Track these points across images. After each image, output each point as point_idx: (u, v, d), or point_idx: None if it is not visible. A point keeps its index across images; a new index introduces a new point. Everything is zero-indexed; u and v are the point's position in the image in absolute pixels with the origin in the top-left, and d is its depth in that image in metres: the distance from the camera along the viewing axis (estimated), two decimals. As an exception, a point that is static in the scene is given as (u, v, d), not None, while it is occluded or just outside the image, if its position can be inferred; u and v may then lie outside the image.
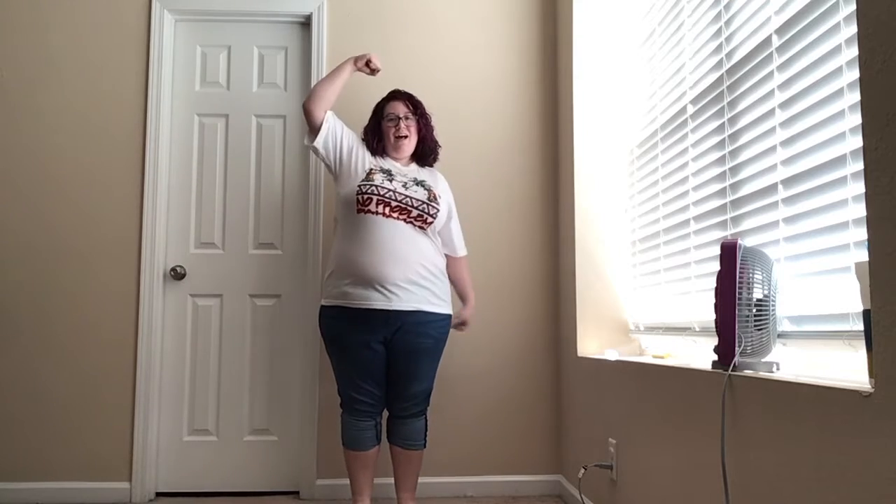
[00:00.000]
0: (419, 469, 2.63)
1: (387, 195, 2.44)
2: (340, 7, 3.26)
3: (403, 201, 2.45)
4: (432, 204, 2.50)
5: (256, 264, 3.19)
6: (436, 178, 2.66)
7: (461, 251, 2.74)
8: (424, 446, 2.60)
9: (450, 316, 2.57)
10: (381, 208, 2.42)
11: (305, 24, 3.28)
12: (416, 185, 2.52)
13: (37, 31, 3.18)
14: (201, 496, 3.07)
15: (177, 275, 3.14)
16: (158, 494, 3.08)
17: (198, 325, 3.15)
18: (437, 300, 2.50)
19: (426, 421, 2.61)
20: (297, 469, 3.09)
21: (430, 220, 2.49)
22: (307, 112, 2.55)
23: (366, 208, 2.42)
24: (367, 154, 2.58)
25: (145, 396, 3.04)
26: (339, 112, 3.26)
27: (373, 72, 2.65)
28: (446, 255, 2.65)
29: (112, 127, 3.16)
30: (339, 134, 2.56)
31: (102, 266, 3.09)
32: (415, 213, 2.46)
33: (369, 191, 2.43)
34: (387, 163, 2.58)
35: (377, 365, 2.47)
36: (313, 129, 2.56)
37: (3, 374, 3.03)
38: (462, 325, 2.75)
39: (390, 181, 2.48)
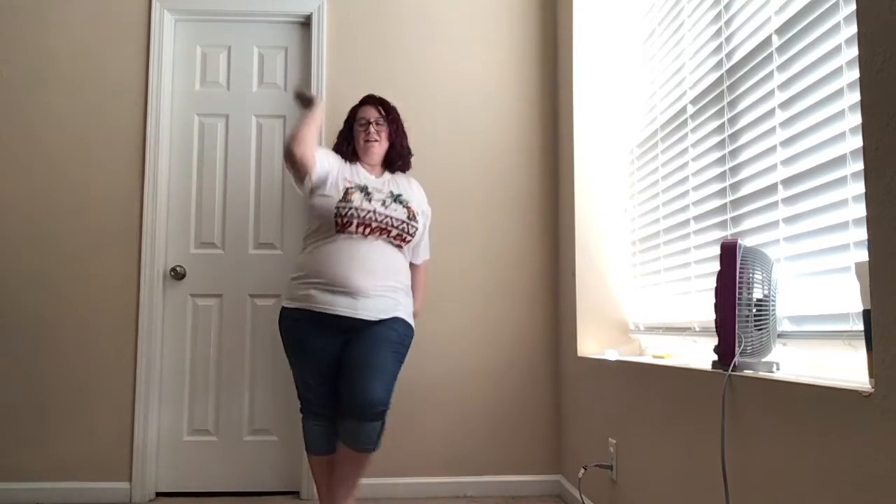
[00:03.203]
0: (362, 472, 2.40)
1: (367, 217, 2.38)
2: (340, 7, 3.26)
3: (384, 222, 2.41)
4: (411, 223, 2.47)
5: (256, 264, 3.19)
6: (411, 186, 2.60)
7: (424, 257, 2.66)
8: (374, 450, 2.35)
9: (412, 327, 2.47)
10: (360, 229, 2.38)
11: (305, 24, 3.28)
12: (395, 201, 2.47)
13: (37, 30, 3.18)
14: (201, 496, 3.07)
15: (177, 275, 3.14)
16: (158, 494, 3.08)
17: (197, 325, 3.15)
18: (400, 308, 2.43)
19: (383, 424, 2.34)
20: (297, 469, 3.09)
21: (408, 238, 2.47)
22: (298, 157, 2.36)
23: (345, 230, 2.37)
24: (342, 167, 2.51)
25: (145, 396, 3.04)
26: (339, 113, 3.26)
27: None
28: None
29: (112, 127, 3.16)
30: (326, 167, 2.45)
31: (102, 266, 3.09)
32: (394, 232, 2.42)
33: (349, 213, 2.37)
34: (360, 175, 2.51)
35: (332, 370, 2.38)
36: (303, 172, 2.41)
37: (3, 374, 3.03)
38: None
39: (369, 200, 2.42)
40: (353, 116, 2.63)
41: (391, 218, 2.42)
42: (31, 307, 3.07)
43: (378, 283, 2.36)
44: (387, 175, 2.60)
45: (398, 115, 2.63)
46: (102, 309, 3.07)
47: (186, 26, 3.27)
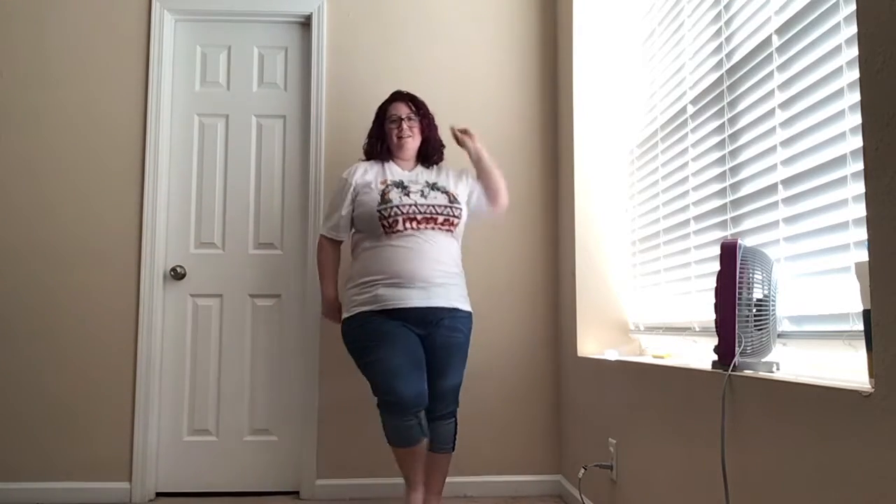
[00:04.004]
0: (446, 471, 2.58)
1: (410, 211, 2.43)
2: (340, 7, 3.26)
3: (428, 211, 2.45)
4: (455, 206, 2.52)
5: (256, 264, 3.19)
6: (445, 173, 2.66)
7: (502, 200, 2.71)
8: (453, 449, 2.57)
9: (471, 315, 2.60)
10: (409, 224, 2.42)
11: (305, 24, 3.28)
12: (433, 189, 2.53)
13: (36, 31, 3.18)
14: (201, 496, 3.07)
15: (177, 275, 3.14)
16: (158, 494, 3.08)
17: (198, 325, 3.15)
18: (463, 298, 2.54)
19: (456, 423, 2.57)
20: (297, 469, 3.09)
21: (456, 221, 2.52)
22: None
23: (394, 230, 2.41)
24: (372, 172, 2.55)
25: (145, 396, 3.04)
26: (339, 113, 3.26)
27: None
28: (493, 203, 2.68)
29: (112, 127, 3.15)
30: (349, 215, 2.56)
31: (102, 266, 3.09)
32: (441, 218, 2.47)
33: (392, 212, 2.41)
34: (393, 172, 2.57)
35: (420, 354, 2.41)
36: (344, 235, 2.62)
37: (3, 374, 3.03)
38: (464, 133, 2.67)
39: (407, 195, 2.47)
40: (383, 114, 2.65)
41: (433, 206, 2.47)
42: (31, 307, 3.06)
43: (442, 271, 2.44)
44: (419, 168, 2.64)
45: (428, 109, 2.68)
46: (102, 309, 3.07)
47: (186, 26, 3.27)
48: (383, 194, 2.46)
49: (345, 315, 2.49)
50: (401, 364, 2.37)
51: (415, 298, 2.38)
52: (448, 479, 3.05)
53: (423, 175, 2.60)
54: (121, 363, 3.05)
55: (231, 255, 3.19)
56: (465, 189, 2.64)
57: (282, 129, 3.26)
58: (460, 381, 2.57)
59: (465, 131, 2.67)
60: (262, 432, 3.13)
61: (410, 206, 2.44)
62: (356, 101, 3.14)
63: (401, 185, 2.50)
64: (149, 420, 3.04)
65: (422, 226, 2.43)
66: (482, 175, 2.67)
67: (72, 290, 3.08)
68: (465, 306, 2.55)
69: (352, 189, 2.53)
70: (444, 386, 2.49)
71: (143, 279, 3.08)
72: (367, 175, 2.55)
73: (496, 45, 3.29)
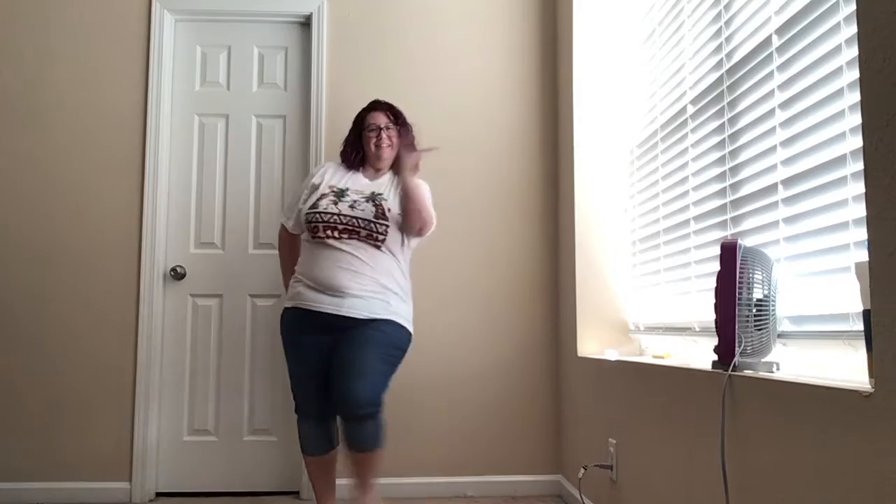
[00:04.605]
0: (372, 468, 2.37)
1: (331, 220, 2.41)
2: (340, 7, 3.26)
3: (350, 223, 2.41)
4: (379, 222, 2.42)
5: (256, 264, 3.19)
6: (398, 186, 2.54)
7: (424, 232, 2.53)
8: (374, 450, 2.32)
9: (405, 329, 2.44)
10: (328, 233, 2.40)
11: (305, 24, 3.28)
12: (367, 201, 2.46)
13: (37, 31, 3.18)
14: (201, 496, 3.07)
15: (177, 275, 3.14)
16: (158, 494, 3.08)
17: (198, 325, 3.15)
18: (391, 310, 2.40)
19: (378, 426, 2.31)
20: (297, 469, 3.08)
21: (380, 237, 2.41)
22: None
23: (316, 235, 2.42)
24: (330, 175, 2.55)
25: (145, 396, 3.04)
26: (339, 113, 3.27)
27: None
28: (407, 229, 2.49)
29: (112, 127, 3.15)
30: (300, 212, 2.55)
31: (102, 266, 3.09)
32: (363, 232, 2.41)
33: (314, 218, 2.43)
34: (350, 179, 2.54)
35: (320, 369, 2.40)
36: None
37: (3, 375, 3.03)
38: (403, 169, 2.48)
39: (336, 203, 2.44)
40: (360, 123, 2.64)
41: (357, 219, 2.42)
42: (31, 306, 3.07)
43: (362, 284, 2.37)
44: (387, 177, 2.59)
45: (406, 118, 2.65)
46: (103, 308, 3.07)
47: (186, 26, 3.27)
48: (318, 200, 2.46)
49: (284, 305, 2.53)
50: (303, 374, 2.45)
51: (328, 304, 2.36)
52: (448, 479, 3.07)
53: (379, 185, 2.53)
54: (121, 363, 3.05)
55: (231, 255, 3.19)
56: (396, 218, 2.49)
57: (282, 129, 3.26)
58: (375, 383, 2.29)
59: (416, 165, 2.50)
60: (262, 432, 3.13)
61: (333, 215, 2.41)
62: (356, 100, 3.13)
63: (340, 193, 2.48)
64: (149, 420, 3.04)
65: (343, 236, 2.40)
66: (406, 206, 2.46)
67: (71, 289, 3.08)
68: (390, 317, 2.39)
69: (307, 188, 2.57)
70: (353, 385, 2.25)
71: (143, 279, 3.08)
72: (324, 177, 2.55)
73: (496, 45, 3.29)
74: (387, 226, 2.44)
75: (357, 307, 2.35)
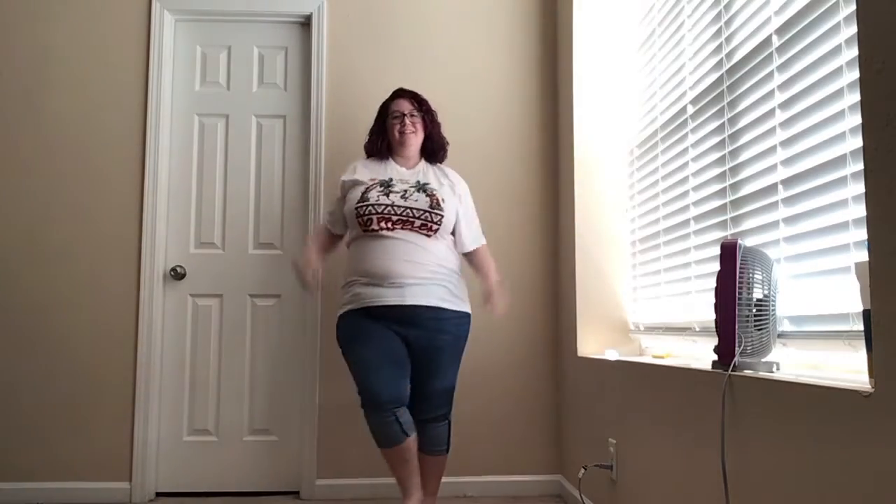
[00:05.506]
0: (441, 473, 2.59)
1: (385, 211, 2.40)
2: (340, 7, 3.26)
3: (404, 214, 2.41)
4: (435, 211, 2.44)
5: (256, 264, 3.19)
6: (445, 177, 2.62)
7: (471, 245, 2.62)
8: (447, 452, 2.57)
9: (467, 314, 2.53)
10: (383, 224, 2.40)
11: (305, 24, 3.28)
12: (419, 191, 2.48)
13: (36, 31, 3.18)
14: (201, 496, 3.07)
15: (177, 275, 3.14)
16: (158, 494, 3.08)
17: (198, 325, 3.15)
18: (451, 297, 2.45)
19: (450, 426, 2.56)
20: (297, 469, 3.09)
21: (434, 227, 2.44)
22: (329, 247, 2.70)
23: (369, 228, 2.41)
24: (365, 170, 2.56)
25: (145, 396, 3.04)
26: (339, 113, 3.27)
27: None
28: (464, 254, 2.60)
29: (112, 127, 3.15)
30: (340, 211, 2.58)
31: (103, 266, 3.09)
32: (418, 223, 2.41)
33: (367, 211, 2.41)
34: (389, 169, 2.56)
35: (400, 351, 2.40)
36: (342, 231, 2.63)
37: (3, 374, 3.03)
38: (489, 300, 2.57)
39: (387, 194, 2.44)
40: (385, 111, 2.65)
41: (411, 209, 2.42)
42: (31, 306, 3.06)
43: (420, 272, 2.38)
44: (421, 166, 2.62)
45: (430, 105, 2.67)
46: (102, 309, 3.07)
47: (186, 26, 3.27)
48: (365, 192, 2.45)
49: (338, 315, 2.50)
50: (373, 360, 2.38)
51: (389, 297, 2.36)
52: (448, 479, 3.06)
53: (419, 175, 2.57)
54: (121, 363, 3.05)
55: (231, 255, 3.19)
56: (452, 211, 2.51)
57: (282, 129, 3.26)
58: (450, 384, 2.52)
59: (489, 299, 2.58)
60: (262, 432, 3.13)
61: (387, 206, 2.41)
62: (356, 101, 3.14)
63: (386, 185, 2.48)
64: (149, 420, 3.04)
65: (397, 227, 2.40)
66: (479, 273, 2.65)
67: (71, 289, 3.08)
68: (454, 306, 2.46)
69: (344, 187, 2.56)
70: (430, 388, 2.48)
71: (143, 279, 3.08)
72: (358, 173, 2.55)
73: (496, 45, 3.29)
74: (441, 216, 2.46)
75: (420, 295, 2.37)
